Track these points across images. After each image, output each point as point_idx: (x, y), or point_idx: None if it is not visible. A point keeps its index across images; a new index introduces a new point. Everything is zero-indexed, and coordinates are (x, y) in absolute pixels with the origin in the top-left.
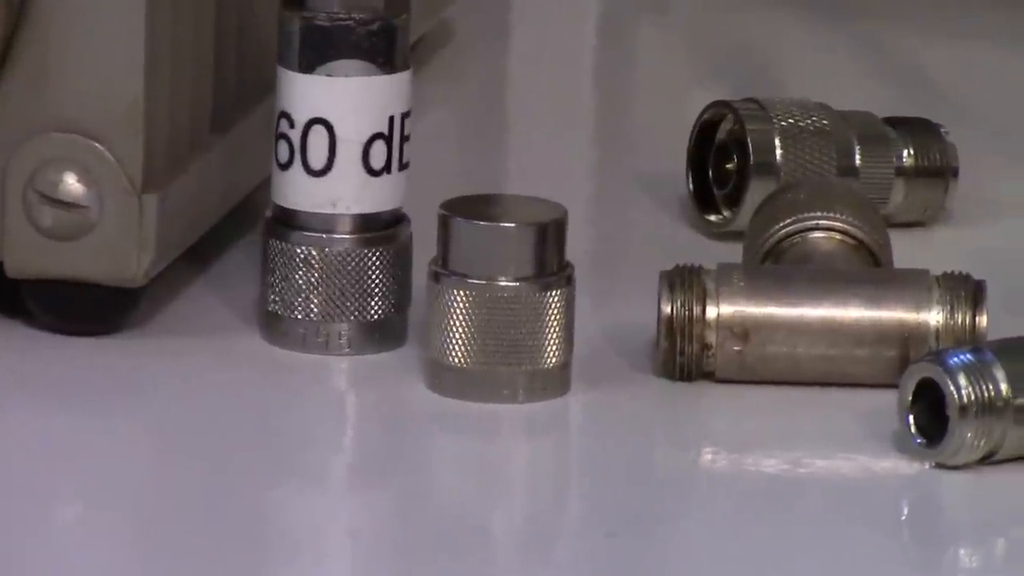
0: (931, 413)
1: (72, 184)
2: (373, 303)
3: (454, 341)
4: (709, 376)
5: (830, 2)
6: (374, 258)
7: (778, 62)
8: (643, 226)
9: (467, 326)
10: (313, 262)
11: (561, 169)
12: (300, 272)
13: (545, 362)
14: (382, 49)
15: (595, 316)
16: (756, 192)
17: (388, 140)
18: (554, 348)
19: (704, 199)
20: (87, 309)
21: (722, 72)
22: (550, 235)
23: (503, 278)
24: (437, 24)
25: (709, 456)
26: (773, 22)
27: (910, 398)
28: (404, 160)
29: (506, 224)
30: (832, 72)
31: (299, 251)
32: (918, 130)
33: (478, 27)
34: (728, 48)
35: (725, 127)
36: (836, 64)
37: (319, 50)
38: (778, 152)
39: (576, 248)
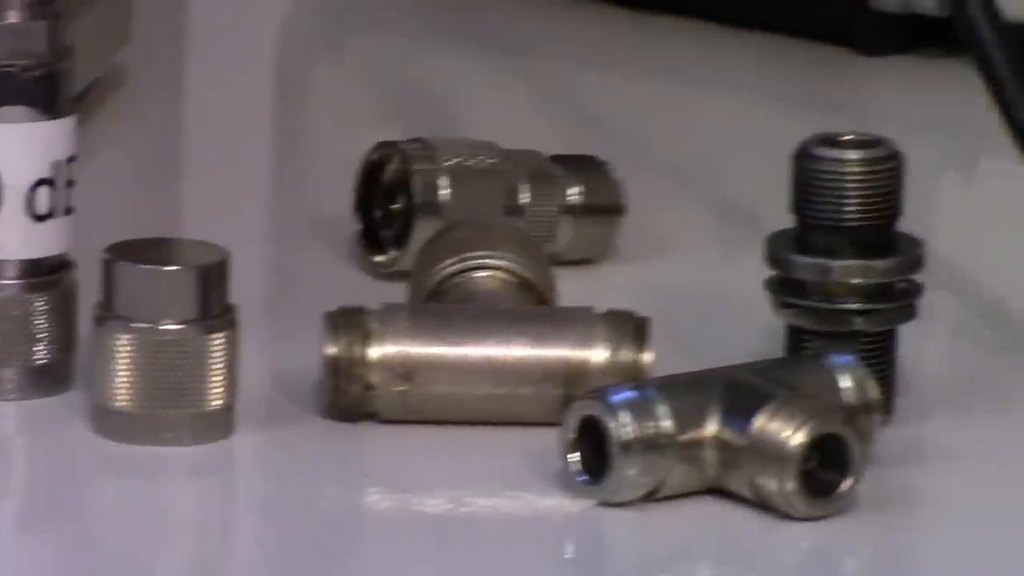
0: (596, 451)
1: None
2: (38, 348)
3: (118, 385)
4: (374, 416)
5: (500, 41)
6: (39, 303)
7: (449, 102)
8: (312, 268)
9: (130, 370)
10: None
11: (234, 212)
12: None
13: (209, 405)
14: (45, 95)
15: (262, 358)
16: (422, 232)
17: (53, 185)
18: (218, 390)
19: (372, 240)
20: None
21: (394, 114)
22: (212, 278)
23: (165, 321)
24: (111, 68)
25: (373, 496)
26: (445, 62)
27: (573, 436)
28: (69, 205)
29: (167, 268)
30: (501, 110)
31: None
32: (585, 168)
33: (153, 71)
34: (401, 90)
35: (392, 167)
36: (505, 102)
37: None
38: (444, 192)
39: (245, 290)
